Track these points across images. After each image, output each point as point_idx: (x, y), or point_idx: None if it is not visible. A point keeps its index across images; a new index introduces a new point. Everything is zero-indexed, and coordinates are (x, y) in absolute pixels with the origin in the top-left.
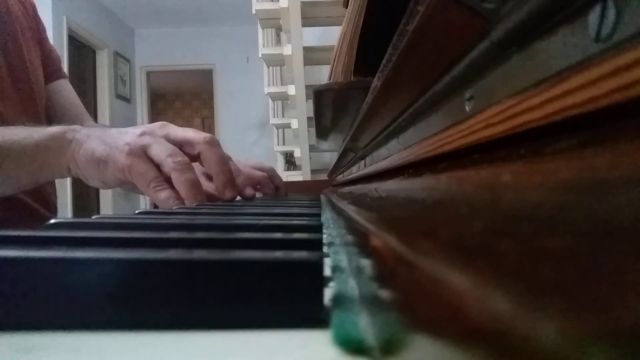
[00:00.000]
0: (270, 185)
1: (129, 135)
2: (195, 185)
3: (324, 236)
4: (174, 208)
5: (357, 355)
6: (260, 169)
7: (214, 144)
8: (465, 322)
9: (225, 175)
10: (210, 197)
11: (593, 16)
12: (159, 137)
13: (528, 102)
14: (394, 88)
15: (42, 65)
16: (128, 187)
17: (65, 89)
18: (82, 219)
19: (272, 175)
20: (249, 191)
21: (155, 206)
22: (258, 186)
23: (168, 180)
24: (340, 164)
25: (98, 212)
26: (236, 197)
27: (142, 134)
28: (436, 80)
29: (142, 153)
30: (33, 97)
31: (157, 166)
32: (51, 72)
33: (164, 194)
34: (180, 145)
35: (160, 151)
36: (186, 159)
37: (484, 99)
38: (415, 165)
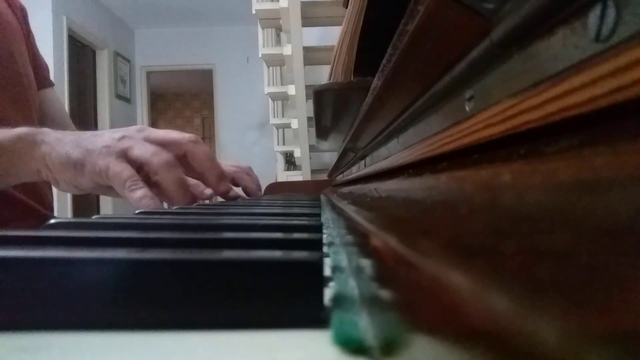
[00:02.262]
0: (245, 179)
1: (107, 139)
2: (183, 184)
3: (324, 236)
4: (173, 208)
5: (357, 355)
6: (237, 167)
7: (199, 142)
8: (465, 322)
9: (217, 169)
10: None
11: (593, 16)
12: (139, 139)
13: (528, 102)
14: (394, 88)
15: (33, 71)
16: (102, 190)
17: (53, 98)
18: (82, 219)
19: (247, 172)
20: (222, 187)
21: None
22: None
23: (146, 181)
24: (340, 164)
25: (98, 212)
26: (230, 190)
27: (122, 138)
28: (436, 80)
29: (121, 155)
30: (26, 98)
31: (138, 168)
32: (40, 79)
33: (138, 193)
34: (163, 146)
35: (144, 151)
36: (171, 155)
37: (484, 99)
38: (415, 165)
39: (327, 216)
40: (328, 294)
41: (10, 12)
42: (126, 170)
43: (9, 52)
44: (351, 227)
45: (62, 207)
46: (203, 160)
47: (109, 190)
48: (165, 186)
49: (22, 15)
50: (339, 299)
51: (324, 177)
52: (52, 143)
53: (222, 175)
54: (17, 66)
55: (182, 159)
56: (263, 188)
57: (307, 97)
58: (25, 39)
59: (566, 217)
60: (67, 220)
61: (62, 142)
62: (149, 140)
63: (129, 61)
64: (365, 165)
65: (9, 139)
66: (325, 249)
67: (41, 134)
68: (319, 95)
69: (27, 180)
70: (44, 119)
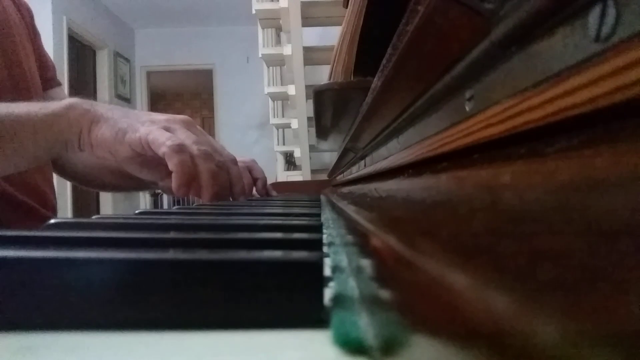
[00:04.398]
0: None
1: (154, 116)
2: (215, 176)
3: (324, 236)
4: (173, 208)
5: (357, 355)
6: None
7: (236, 163)
8: (465, 322)
9: (242, 194)
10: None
11: (593, 16)
12: (184, 127)
13: (528, 102)
14: (394, 88)
15: (39, 72)
16: (134, 166)
17: (60, 98)
18: (82, 219)
19: (250, 166)
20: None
21: (155, 206)
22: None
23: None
24: (340, 164)
25: (98, 212)
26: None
27: (168, 120)
28: (436, 80)
29: (164, 128)
30: (31, 99)
31: None
32: (47, 79)
33: (181, 156)
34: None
35: (186, 137)
36: (210, 150)
37: (484, 99)
38: (415, 165)
39: (327, 216)
40: (328, 294)
41: (17, 13)
42: (167, 133)
43: (16, 54)
44: (351, 227)
45: (62, 207)
46: (232, 179)
47: (142, 167)
48: (200, 171)
49: (28, 16)
50: (339, 299)
51: (324, 177)
52: (100, 111)
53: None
54: (24, 68)
55: None
56: None
57: (307, 97)
58: (32, 40)
59: (566, 217)
60: (67, 220)
61: (112, 111)
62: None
63: (128, 61)
64: (365, 165)
65: (62, 108)
66: (325, 249)
67: (90, 103)
68: (319, 95)
69: (70, 150)
70: None
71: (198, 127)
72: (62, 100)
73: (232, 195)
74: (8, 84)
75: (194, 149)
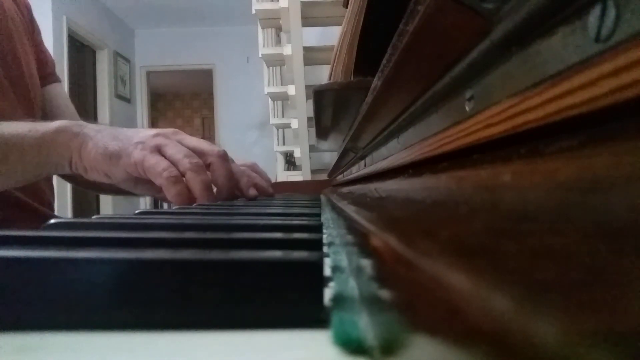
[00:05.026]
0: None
1: (142, 135)
2: (209, 187)
3: (324, 236)
4: (173, 208)
5: (357, 355)
6: (246, 165)
7: (225, 158)
8: (465, 322)
9: (229, 191)
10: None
11: (593, 16)
12: (173, 140)
13: (528, 102)
14: (394, 88)
15: (37, 67)
16: (130, 184)
17: (60, 93)
18: (82, 219)
19: (252, 169)
20: (252, 191)
21: (155, 206)
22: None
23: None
24: (340, 164)
25: (98, 212)
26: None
27: (156, 135)
28: (436, 80)
29: (155, 150)
30: (29, 97)
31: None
32: (46, 75)
33: (178, 187)
34: (193, 152)
35: (176, 151)
36: (201, 161)
37: (484, 99)
38: (415, 165)
39: (327, 216)
40: (328, 294)
41: (16, 9)
42: (162, 162)
43: (13, 52)
44: (351, 227)
45: (62, 207)
46: (221, 177)
47: (137, 184)
48: (191, 186)
49: (27, 11)
50: (339, 299)
51: (324, 177)
52: (89, 134)
53: (231, 196)
54: (21, 66)
55: (207, 169)
56: None
57: (307, 97)
58: (30, 35)
59: (566, 217)
60: (67, 220)
61: (100, 133)
62: (182, 144)
63: (129, 61)
64: (365, 165)
65: (50, 131)
66: (325, 249)
67: (79, 126)
68: (319, 95)
69: (60, 171)
70: (51, 115)
71: (183, 133)
72: (52, 123)
73: (220, 189)
74: (5, 83)
75: (185, 163)
